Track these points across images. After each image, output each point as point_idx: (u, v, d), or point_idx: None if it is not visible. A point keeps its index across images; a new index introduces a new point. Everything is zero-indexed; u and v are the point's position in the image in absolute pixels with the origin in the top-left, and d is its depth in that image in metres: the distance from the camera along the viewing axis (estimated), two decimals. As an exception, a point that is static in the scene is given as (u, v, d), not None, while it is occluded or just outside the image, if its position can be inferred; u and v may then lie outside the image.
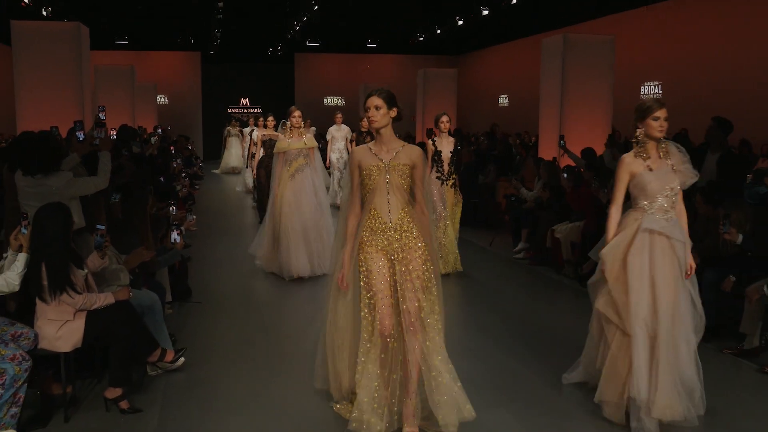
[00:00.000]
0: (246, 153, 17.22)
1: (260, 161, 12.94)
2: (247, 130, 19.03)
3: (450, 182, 9.08)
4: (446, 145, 9.07)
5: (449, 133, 9.18)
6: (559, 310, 7.88)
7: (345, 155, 15.08)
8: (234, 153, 23.39)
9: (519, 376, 5.75)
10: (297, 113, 9.12)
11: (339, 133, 15.38)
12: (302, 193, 9.02)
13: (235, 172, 22.63)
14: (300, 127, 9.16)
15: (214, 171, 23.77)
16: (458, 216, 9.33)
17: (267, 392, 5.34)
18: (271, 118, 12.91)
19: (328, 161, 15.00)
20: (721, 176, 8.38)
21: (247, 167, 17.11)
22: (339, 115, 15.53)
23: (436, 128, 9.32)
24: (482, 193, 13.15)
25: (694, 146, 10.90)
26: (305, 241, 8.93)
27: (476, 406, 4.66)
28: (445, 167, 9.05)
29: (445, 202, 9.00)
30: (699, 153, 9.18)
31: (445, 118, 9.07)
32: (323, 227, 9.15)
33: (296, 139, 9.12)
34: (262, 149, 12.98)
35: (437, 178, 8.99)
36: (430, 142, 9.17)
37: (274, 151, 9.37)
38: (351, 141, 14.92)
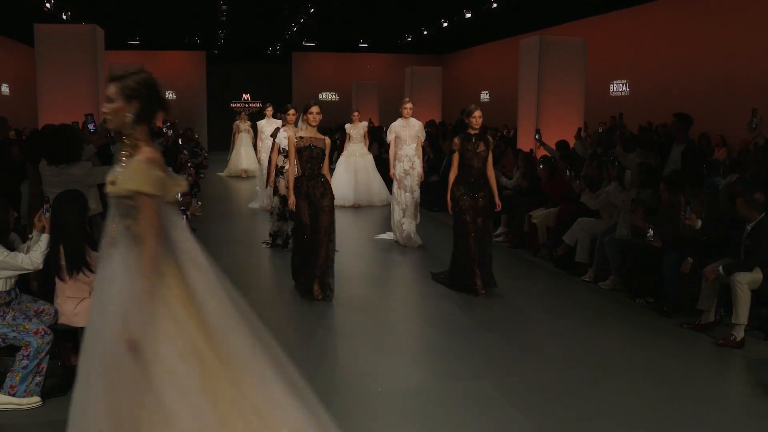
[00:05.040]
0: (267, 162, 10.18)
1: (297, 185, 7.16)
2: (262, 123, 13.09)
3: None
4: None
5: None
6: (535, 288, 7.93)
7: (417, 165, 9.53)
8: (244, 153, 18.43)
9: (496, 346, 5.80)
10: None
11: (407, 131, 9.54)
12: None
13: (244, 176, 18.05)
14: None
15: (220, 174, 18.86)
16: None
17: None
18: (316, 110, 7.12)
19: (392, 171, 9.66)
20: (685, 166, 8.43)
21: (266, 185, 10.37)
22: (408, 105, 9.57)
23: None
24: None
25: (656, 139, 10.95)
26: None
27: (458, 376, 4.70)
28: None
29: None
30: (663, 145, 9.23)
31: None
32: None
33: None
34: (296, 161, 7.18)
35: None
36: None
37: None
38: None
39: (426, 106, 19.78)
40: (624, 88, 17.93)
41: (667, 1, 16.15)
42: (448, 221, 7.99)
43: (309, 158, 7.05)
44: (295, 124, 8.55)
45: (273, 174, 9.27)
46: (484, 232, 7.44)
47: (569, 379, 5.11)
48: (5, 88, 20.98)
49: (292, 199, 7.19)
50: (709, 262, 6.18)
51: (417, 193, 9.61)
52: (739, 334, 5.82)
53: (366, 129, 13.84)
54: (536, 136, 10.96)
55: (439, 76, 20.08)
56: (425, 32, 23.92)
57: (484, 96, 25.46)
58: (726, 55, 14.30)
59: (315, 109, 7.12)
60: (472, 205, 7.36)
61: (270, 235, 9.62)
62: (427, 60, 26.60)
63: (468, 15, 19.49)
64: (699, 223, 6.33)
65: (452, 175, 7.52)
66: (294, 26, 22.86)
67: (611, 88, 18.17)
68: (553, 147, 11.05)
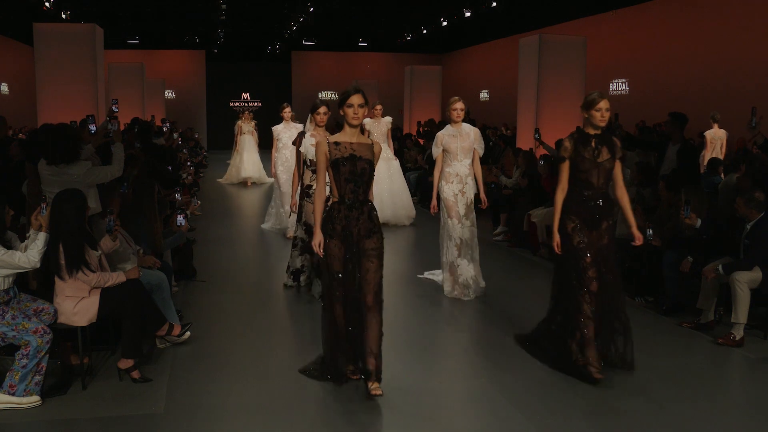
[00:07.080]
0: (292, 176, 7.88)
1: (330, 209, 4.69)
2: (278, 128, 10.33)
3: None
4: None
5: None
6: (534, 287, 7.92)
7: (470, 187, 7.03)
8: (247, 159, 16.39)
9: (496, 344, 5.79)
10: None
11: (457, 143, 6.94)
12: None
13: (247, 184, 16.36)
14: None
15: (219, 180, 17.13)
16: None
17: (267, 363, 5.36)
18: (357, 100, 4.58)
19: (433, 203, 7.21)
20: (680, 165, 8.44)
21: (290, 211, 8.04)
22: (458, 105, 6.89)
23: None
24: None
25: (654, 139, 10.95)
26: None
27: (458, 376, 4.69)
28: None
29: None
30: (661, 144, 9.24)
31: None
32: None
33: None
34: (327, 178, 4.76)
35: None
36: None
37: None
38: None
39: (425, 105, 19.82)
40: (623, 87, 17.94)
41: (666, -1, 16.17)
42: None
43: (351, 175, 4.58)
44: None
45: (296, 194, 7.26)
46: (611, 283, 5.03)
47: (569, 378, 5.09)
48: (4, 88, 20.99)
49: (318, 238, 4.62)
50: (708, 261, 6.17)
51: (470, 224, 7.08)
52: (739, 333, 5.82)
53: (389, 126, 11.25)
54: (535, 136, 10.95)
55: (438, 76, 20.09)
56: (425, 31, 23.94)
57: (484, 95, 25.46)
58: (725, 54, 14.30)
59: (356, 99, 4.59)
60: (591, 244, 5.00)
61: (290, 273, 7.38)
62: (427, 59, 26.59)
63: (467, 14, 19.52)
64: (699, 222, 6.33)
65: (560, 195, 5.16)
66: (293, 25, 22.88)
67: (611, 86, 18.17)
68: (553, 146, 11.04)
